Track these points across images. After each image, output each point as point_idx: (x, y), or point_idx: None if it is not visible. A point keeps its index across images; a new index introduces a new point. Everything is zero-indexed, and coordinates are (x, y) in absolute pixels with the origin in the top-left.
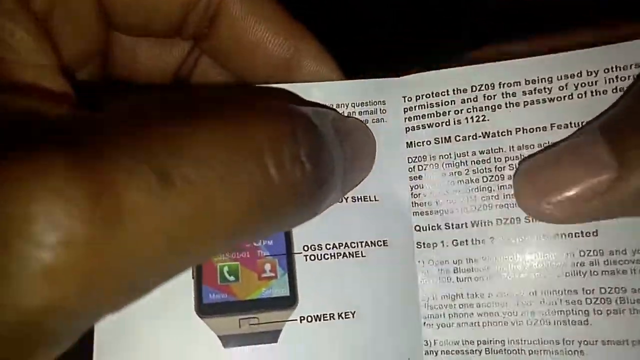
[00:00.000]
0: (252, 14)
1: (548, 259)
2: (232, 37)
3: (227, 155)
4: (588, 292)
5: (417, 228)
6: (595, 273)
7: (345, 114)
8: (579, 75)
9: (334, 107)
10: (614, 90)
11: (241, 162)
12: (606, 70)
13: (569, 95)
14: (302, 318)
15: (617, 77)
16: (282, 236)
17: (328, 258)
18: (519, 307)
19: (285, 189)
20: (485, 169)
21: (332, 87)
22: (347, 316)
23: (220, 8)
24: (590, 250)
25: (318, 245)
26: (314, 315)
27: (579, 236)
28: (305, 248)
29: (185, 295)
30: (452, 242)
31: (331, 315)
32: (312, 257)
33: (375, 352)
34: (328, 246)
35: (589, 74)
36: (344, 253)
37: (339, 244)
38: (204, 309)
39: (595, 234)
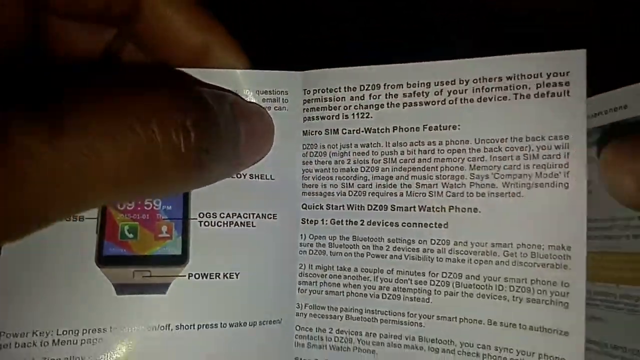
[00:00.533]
0: (169, 6)
1: (404, 244)
2: (151, 26)
3: (117, 116)
4: (433, 275)
5: (304, 206)
6: (441, 260)
7: (251, 100)
8: (453, 83)
9: (242, 93)
10: (479, 100)
11: (129, 123)
12: (475, 81)
13: (442, 101)
14: (190, 275)
15: (482, 87)
16: (181, 202)
17: (221, 225)
18: (377, 282)
19: (169, 152)
20: (364, 160)
21: (240, 75)
22: (231, 277)
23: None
24: (440, 240)
25: (213, 214)
26: (201, 273)
27: (432, 226)
28: (201, 215)
29: (88, 247)
30: (330, 221)
31: (217, 274)
32: (206, 223)
33: (252, 310)
34: (222, 215)
35: (461, 82)
36: (236, 222)
37: (232, 213)
38: (103, 260)
39: (446, 225)
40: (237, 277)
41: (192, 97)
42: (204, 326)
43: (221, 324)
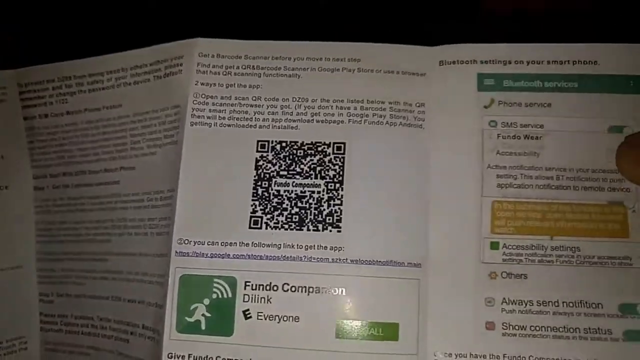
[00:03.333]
0: None
1: (96, 199)
2: None
3: None
4: (111, 221)
5: (34, 176)
6: (115, 208)
7: None
8: (117, 71)
9: None
10: (135, 83)
11: None
12: (131, 68)
13: (112, 85)
14: None
15: (136, 73)
16: None
17: None
18: (82, 231)
19: None
20: (68, 137)
21: None
22: None
23: None
24: (114, 193)
25: None
26: None
27: (109, 184)
28: None
29: None
30: (52, 186)
31: None
32: None
33: None
34: None
35: (123, 70)
36: None
37: None
38: None
39: (117, 182)
40: None
41: None
42: None
43: None
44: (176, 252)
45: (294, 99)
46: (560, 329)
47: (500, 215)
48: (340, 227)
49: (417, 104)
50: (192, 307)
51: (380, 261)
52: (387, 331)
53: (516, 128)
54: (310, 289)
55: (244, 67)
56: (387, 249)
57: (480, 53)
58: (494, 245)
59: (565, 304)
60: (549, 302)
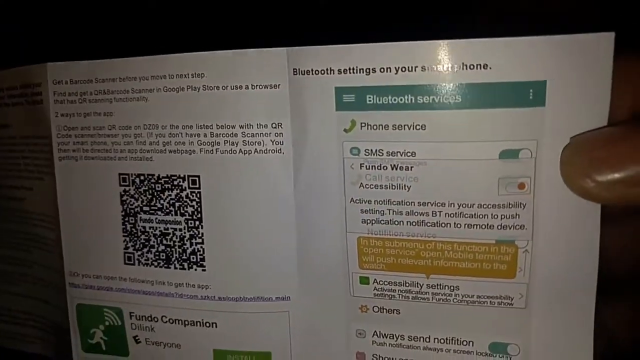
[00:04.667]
0: None
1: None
2: None
3: None
4: None
5: None
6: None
7: None
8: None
9: None
10: (13, 104)
11: None
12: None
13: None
14: None
15: (13, 94)
16: None
17: None
18: None
19: None
20: None
21: None
22: None
23: None
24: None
25: None
26: None
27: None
28: None
29: None
30: None
31: None
32: None
33: None
34: None
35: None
36: None
37: None
38: None
39: (22, 200)
40: None
41: None
42: None
43: None
44: (69, 283)
45: (145, 127)
46: None
47: (368, 251)
48: (204, 266)
49: (274, 125)
50: (92, 331)
51: (247, 297)
52: (261, 359)
53: (382, 157)
54: (186, 322)
55: (96, 92)
56: (253, 286)
57: (336, 59)
58: (364, 280)
59: (436, 340)
60: (420, 337)
